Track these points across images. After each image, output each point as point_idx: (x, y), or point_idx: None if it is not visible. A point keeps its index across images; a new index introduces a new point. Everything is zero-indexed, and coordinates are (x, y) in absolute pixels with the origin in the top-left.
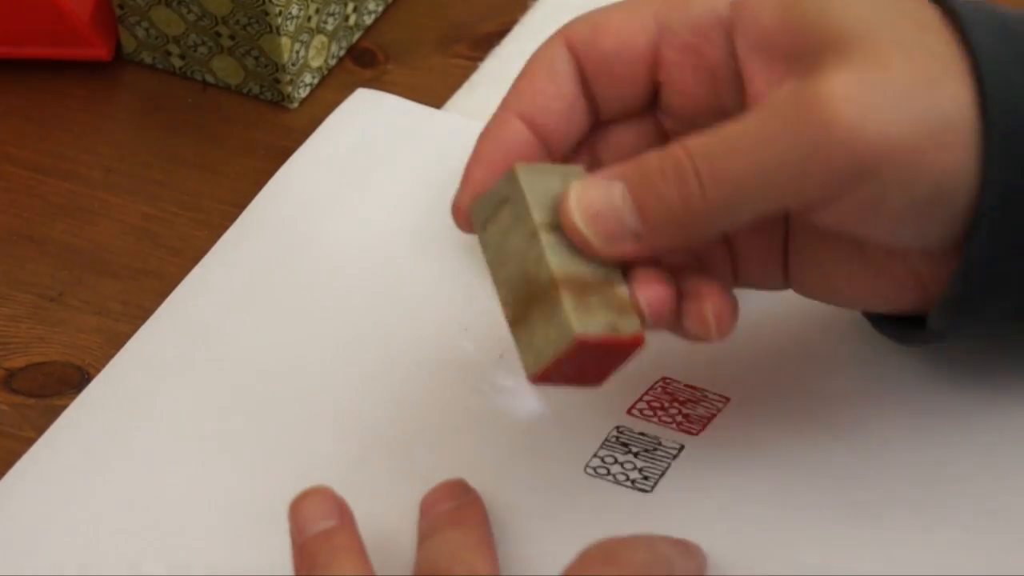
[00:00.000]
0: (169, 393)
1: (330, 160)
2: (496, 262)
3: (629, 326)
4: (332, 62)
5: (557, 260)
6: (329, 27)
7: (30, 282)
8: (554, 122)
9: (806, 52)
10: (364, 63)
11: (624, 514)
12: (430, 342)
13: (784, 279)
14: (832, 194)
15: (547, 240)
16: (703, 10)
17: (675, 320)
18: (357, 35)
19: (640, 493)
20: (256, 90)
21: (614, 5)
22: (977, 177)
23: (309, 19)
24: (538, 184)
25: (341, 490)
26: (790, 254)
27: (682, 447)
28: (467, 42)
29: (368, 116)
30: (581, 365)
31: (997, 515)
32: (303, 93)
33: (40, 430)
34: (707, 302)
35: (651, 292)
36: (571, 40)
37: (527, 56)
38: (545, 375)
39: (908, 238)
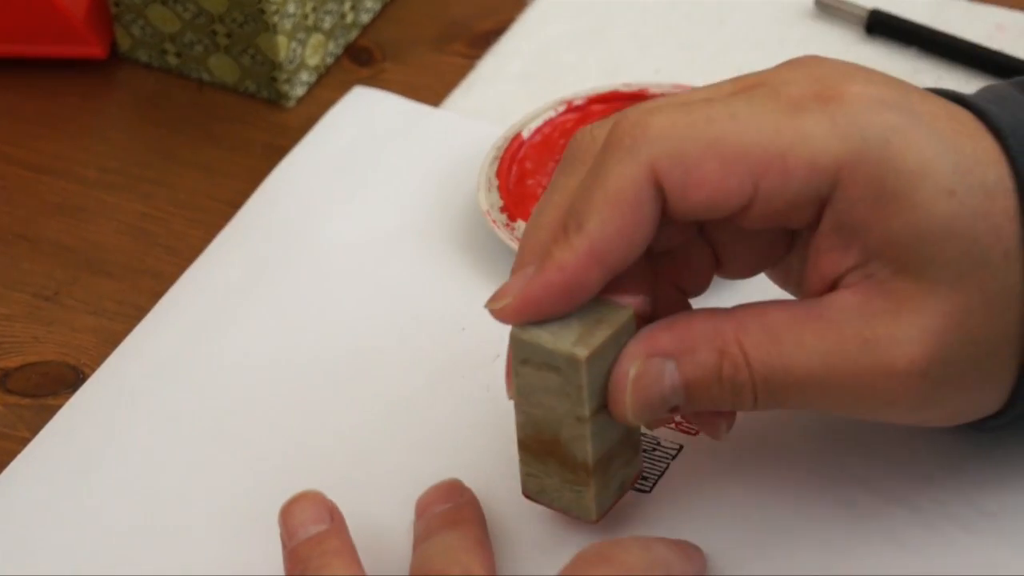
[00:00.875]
0: (164, 393)
1: (327, 159)
2: (526, 395)
3: (633, 471)
4: (329, 60)
5: (596, 445)
6: (326, 25)
7: (25, 281)
8: (625, 261)
9: (889, 256)
10: (361, 61)
11: (623, 514)
12: (427, 342)
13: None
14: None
15: (592, 427)
16: (802, 185)
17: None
18: (354, 33)
19: (639, 493)
20: (252, 88)
21: (706, 140)
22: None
23: (306, 17)
24: (595, 368)
25: (337, 491)
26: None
27: (681, 447)
28: (464, 40)
29: (365, 114)
30: None
31: (996, 516)
32: (300, 91)
33: (35, 430)
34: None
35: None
36: (659, 176)
37: (524, 55)
38: (538, 503)
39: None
